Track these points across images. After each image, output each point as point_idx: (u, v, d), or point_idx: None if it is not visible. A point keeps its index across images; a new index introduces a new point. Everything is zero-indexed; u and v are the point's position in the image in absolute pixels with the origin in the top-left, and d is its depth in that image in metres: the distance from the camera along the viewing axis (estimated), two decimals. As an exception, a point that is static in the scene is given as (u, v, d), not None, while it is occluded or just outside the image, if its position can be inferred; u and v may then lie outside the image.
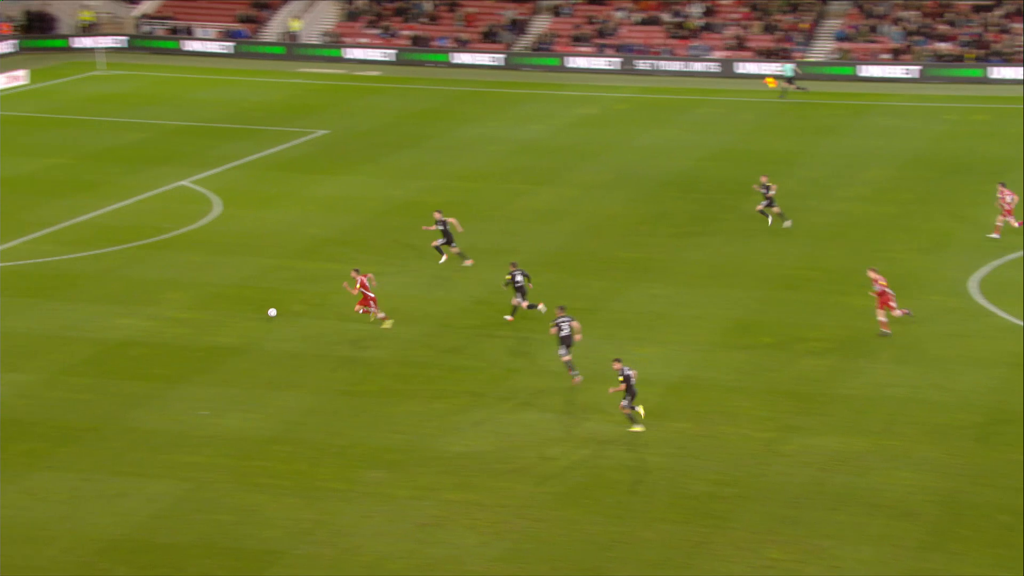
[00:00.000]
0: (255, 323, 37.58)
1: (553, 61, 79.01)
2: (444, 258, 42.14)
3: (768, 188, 45.56)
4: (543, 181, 53.33)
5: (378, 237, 45.72)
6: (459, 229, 42.51)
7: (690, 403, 32.15)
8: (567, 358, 33.21)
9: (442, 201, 50.20)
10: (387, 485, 28.37)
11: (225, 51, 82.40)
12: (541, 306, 37.49)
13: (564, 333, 32.95)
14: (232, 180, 53.38)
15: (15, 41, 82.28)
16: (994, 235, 44.43)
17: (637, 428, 30.65)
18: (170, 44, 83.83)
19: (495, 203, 50.18)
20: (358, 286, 36.90)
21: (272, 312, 37.94)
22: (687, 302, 38.97)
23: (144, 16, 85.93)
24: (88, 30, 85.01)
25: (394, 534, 26.48)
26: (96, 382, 33.49)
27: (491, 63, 79.67)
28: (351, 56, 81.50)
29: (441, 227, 42.00)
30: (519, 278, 37.17)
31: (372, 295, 37.02)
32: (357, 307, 37.09)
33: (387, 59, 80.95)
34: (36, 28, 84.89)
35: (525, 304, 37.23)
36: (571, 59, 78.70)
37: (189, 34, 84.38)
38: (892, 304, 36.13)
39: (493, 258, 42.58)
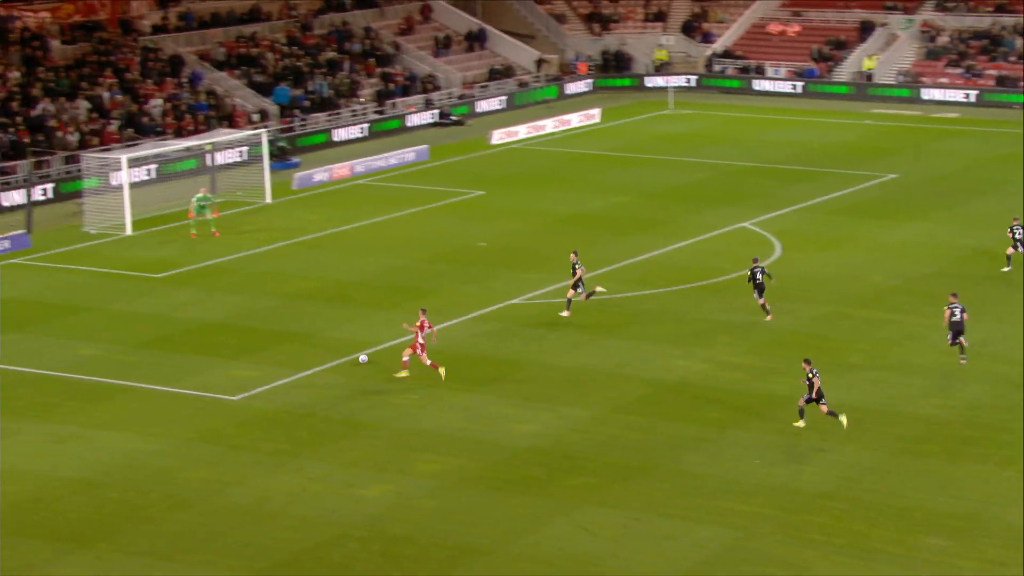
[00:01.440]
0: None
1: None
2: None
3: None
4: None
5: (949, 287, 44.13)
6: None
7: None
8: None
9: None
10: (949, 554, 27.23)
11: (793, 91, 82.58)
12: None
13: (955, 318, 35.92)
14: (794, 223, 53.27)
15: (591, 80, 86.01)
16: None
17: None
18: (739, 83, 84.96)
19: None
20: (416, 327, 36.41)
21: (363, 358, 38.10)
22: None
23: (716, 55, 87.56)
24: (660, 69, 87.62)
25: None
26: (648, 421, 34.20)
27: (1087, 106, 75.46)
28: (928, 97, 79.53)
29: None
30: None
31: (422, 341, 36.38)
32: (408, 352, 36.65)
33: (967, 100, 78.41)
34: (612, 67, 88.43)
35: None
36: None
37: (759, 73, 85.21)
38: None
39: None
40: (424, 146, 67.23)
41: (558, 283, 45.22)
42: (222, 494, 30.26)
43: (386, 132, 72.90)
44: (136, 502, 29.90)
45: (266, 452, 32.44)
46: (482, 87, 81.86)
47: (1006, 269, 46.01)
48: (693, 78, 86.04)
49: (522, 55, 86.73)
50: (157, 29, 73.80)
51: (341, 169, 62.49)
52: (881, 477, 30.83)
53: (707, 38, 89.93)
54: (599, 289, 43.14)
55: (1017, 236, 45.91)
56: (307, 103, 72.22)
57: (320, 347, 39.68)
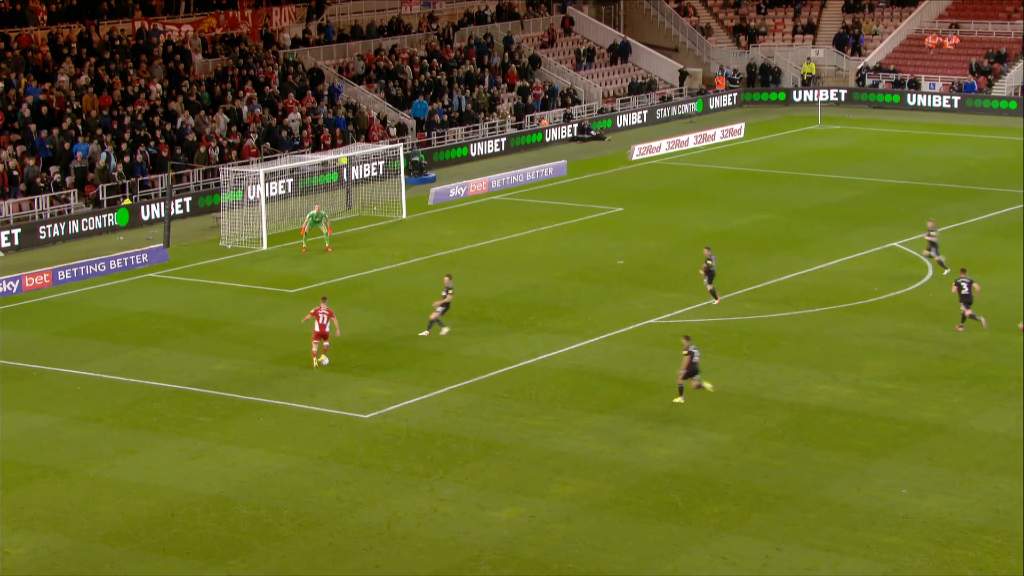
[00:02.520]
0: (965, 399, 36.48)
1: None
2: None
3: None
4: None
5: (1110, 314, 43.05)
6: None
7: None
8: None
9: None
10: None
11: (950, 106, 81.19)
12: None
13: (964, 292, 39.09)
14: (948, 243, 52.25)
15: (735, 94, 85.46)
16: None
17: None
18: (891, 97, 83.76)
19: None
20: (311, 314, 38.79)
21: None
22: None
23: (867, 68, 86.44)
24: (808, 83, 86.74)
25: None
26: (792, 448, 33.76)
27: None
28: (1093, 112, 77.75)
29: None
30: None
31: (317, 329, 39.12)
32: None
33: None
34: (758, 81, 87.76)
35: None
36: None
37: (914, 87, 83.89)
38: None
39: None
40: (562, 161, 67.31)
41: (699, 303, 44.91)
42: (353, 514, 30.49)
43: (524, 147, 73.18)
44: (267, 519, 30.25)
45: (397, 472, 32.62)
46: (623, 101, 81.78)
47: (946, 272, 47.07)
48: (843, 92, 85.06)
49: (665, 68, 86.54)
50: (297, 42, 74.96)
51: (478, 184, 62.82)
52: (1037, 511, 30.07)
53: (858, 51, 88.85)
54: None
55: (931, 240, 46.96)
56: (445, 117, 72.75)
57: (454, 365, 39.85)
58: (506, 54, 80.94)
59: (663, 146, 71.91)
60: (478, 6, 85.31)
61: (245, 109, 66.49)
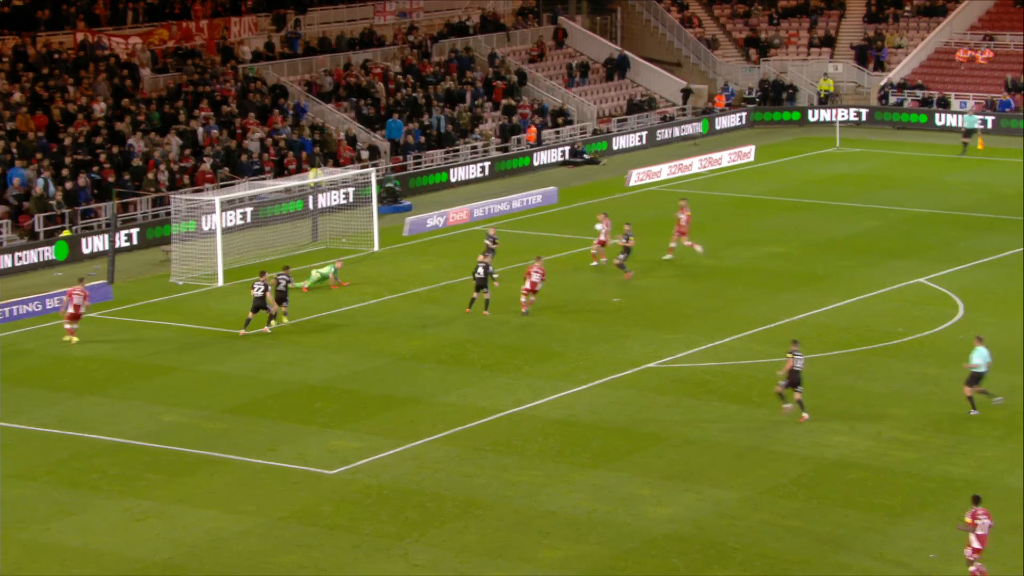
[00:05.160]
0: (999, 452, 36.57)
1: None
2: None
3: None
4: None
5: None
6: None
7: None
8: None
9: None
10: None
11: (983, 126, 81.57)
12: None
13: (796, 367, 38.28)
14: (980, 279, 52.49)
15: (744, 114, 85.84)
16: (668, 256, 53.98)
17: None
18: (918, 117, 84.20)
19: None
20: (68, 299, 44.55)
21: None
22: None
23: (891, 85, 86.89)
24: (826, 101, 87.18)
25: None
26: (806, 506, 33.79)
27: None
28: None
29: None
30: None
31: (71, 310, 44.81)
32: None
33: None
34: (771, 99, 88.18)
35: None
36: None
37: (943, 106, 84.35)
38: None
39: None
40: (552, 188, 67.52)
41: (703, 345, 45.02)
42: (316, 581, 30.46)
43: (510, 171, 73.43)
44: (220, 588, 30.21)
45: (367, 535, 32.57)
46: (620, 121, 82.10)
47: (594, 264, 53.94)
48: (864, 111, 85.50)
49: (666, 85, 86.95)
50: (258, 56, 75.22)
51: (458, 213, 62.96)
52: (1079, 577, 30.10)
53: (881, 66, 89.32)
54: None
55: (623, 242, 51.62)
56: (422, 139, 72.99)
57: (431, 414, 39.87)
58: (490, 69, 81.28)
59: (664, 171, 72.17)
60: (459, 16, 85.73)
61: (200, 130, 66.67)
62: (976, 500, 30.05)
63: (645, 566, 31.04)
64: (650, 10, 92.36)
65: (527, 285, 48.46)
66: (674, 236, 55.63)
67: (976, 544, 29.63)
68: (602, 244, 54.38)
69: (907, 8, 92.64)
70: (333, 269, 52.71)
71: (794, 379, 38.52)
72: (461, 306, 49.66)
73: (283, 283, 48.06)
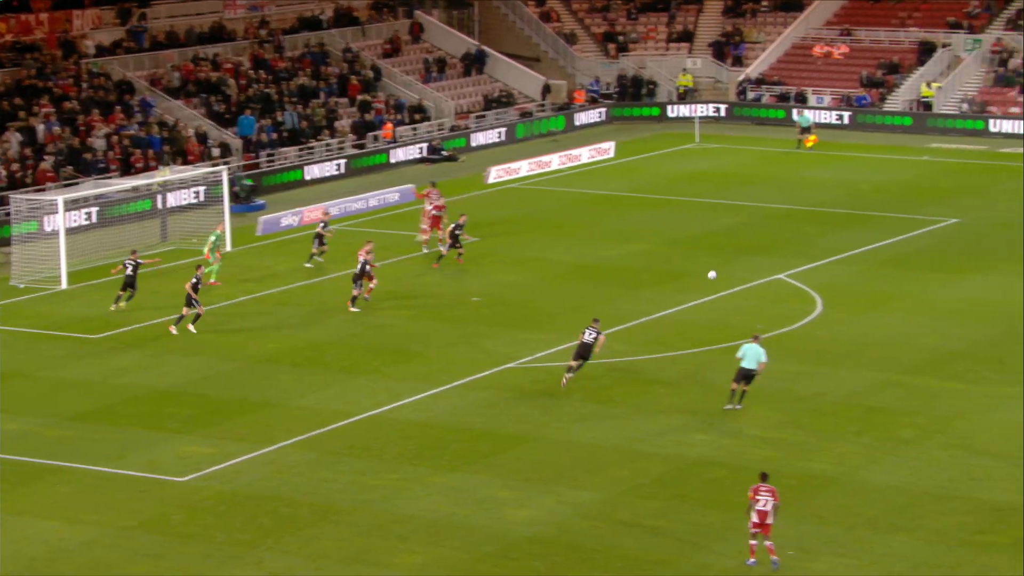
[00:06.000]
0: (855, 448, 37.16)
1: None
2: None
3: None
4: None
5: (1020, 352, 44.15)
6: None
7: None
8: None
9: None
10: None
11: (840, 122, 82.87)
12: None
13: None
14: (838, 275, 53.30)
15: (604, 110, 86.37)
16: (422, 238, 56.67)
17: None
18: (776, 113, 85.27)
19: None
20: None
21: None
22: None
23: (749, 80, 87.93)
24: (685, 97, 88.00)
25: None
26: (667, 506, 34.06)
27: None
28: (997, 129, 79.84)
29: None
30: None
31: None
32: None
33: (1042, 133, 78.77)
34: (629, 95, 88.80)
35: None
36: None
37: (801, 101, 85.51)
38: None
39: None
40: (410, 185, 67.42)
41: (564, 344, 45.21)
42: (167, 591, 30.16)
43: (367, 169, 73.22)
44: (66, 601, 29.80)
45: (219, 543, 32.28)
46: (478, 117, 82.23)
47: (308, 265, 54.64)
48: (723, 107, 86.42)
49: (525, 81, 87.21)
50: (103, 50, 74.23)
51: (313, 212, 62.65)
52: (937, 573, 30.64)
53: (739, 61, 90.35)
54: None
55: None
56: (275, 136, 72.53)
57: (286, 418, 39.63)
58: (345, 64, 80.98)
59: (523, 168, 72.40)
60: (313, 10, 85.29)
61: (41, 127, 65.65)
62: (763, 477, 31.03)
63: (504, 569, 31.11)
64: (508, 5, 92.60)
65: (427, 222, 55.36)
66: (423, 220, 57.50)
67: (755, 519, 30.57)
68: (439, 211, 56.69)
69: (764, 3, 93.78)
70: (216, 236, 53.05)
71: (583, 352, 40.81)
72: (318, 307, 49.37)
73: (130, 268, 48.04)
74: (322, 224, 55.50)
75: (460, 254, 54.56)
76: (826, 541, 32.13)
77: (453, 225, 55.08)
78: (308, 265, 54.62)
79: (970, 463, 36.19)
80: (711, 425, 38.92)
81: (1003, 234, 58.93)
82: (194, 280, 46.69)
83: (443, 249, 55.17)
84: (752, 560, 30.68)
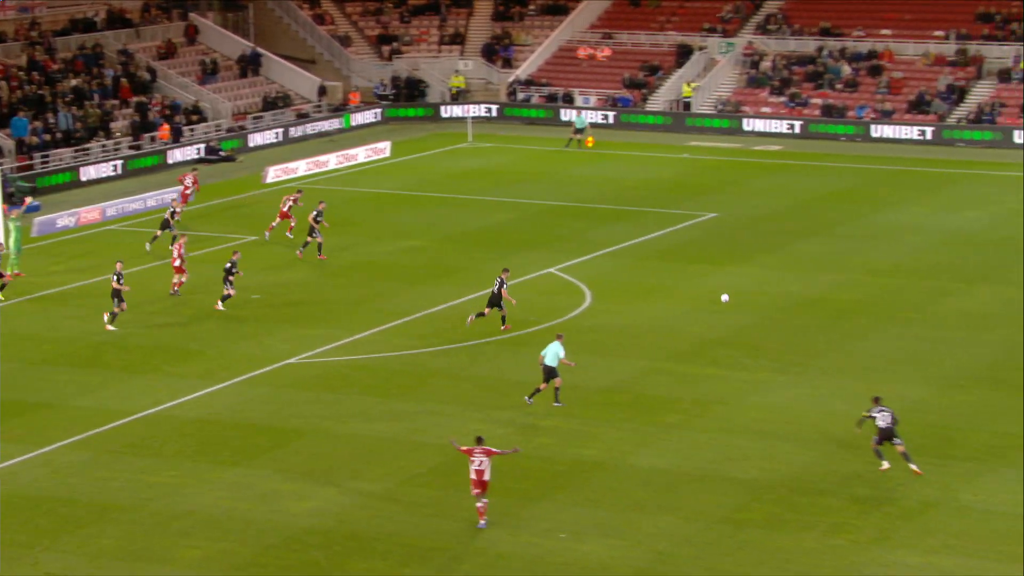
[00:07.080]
0: (624, 434, 37.71)
1: (995, 135, 77.04)
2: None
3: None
4: (977, 279, 51.75)
5: (773, 339, 45.26)
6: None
7: None
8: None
9: (853, 299, 49.51)
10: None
11: (604, 121, 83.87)
12: None
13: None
14: (606, 268, 54.01)
15: (379, 110, 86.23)
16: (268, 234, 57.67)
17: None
18: (545, 113, 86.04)
19: (916, 303, 49.02)
20: None
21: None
22: None
23: (519, 82, 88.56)
24: (457, 98, 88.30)
25: None
26: (443, 495, 34.19)
27: (918, 137, 78.29)
28: (750, 128, 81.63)
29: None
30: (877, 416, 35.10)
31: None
32: None
33: (792, 131, 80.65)
34: (403, 96, 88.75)
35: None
36: (1019, 133, 76.47)
37: (567, 101, 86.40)
38: None
39: (914, 370, 41.75)
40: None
41: (343, 339, 45.08)
42: (-55, 594, 29.41)
43: (143, 170, 72.08)
44: None
45: (-2, 543, 31.59)
46: (255, 118, 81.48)
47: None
48: (494, 107, 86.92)
49: (301, 82, 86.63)
50: None
51: (90, 213, 61.48)
52: (699, 549, 31.30)
53: (509, 63, 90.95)
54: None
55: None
56: (48, 137, 70.96)
57: (64, 419, 38.88)
58: (119, 67, 79.55)
59: (301, 167, 71.97)
60: (85, 12, 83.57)
61: None
62: (479, 440, 32.44)
63: (286, 560, 30.96)
64: (282, 7, 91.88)
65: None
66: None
67: (473, 476, 32.00)
68: (184, 200, 59.17)
69: (532, 7, 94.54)
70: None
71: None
72: (97, 308, 48.46)
73: None
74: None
75: (306, 244, 55.20)
76: (596, 523, 32.58)
77: (314, 212, 55.39)
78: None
79: (728, 444, 36.99)
80: (486, 416, 39.12)
81: (757, 227, 60.28)
82: None
83: (317, 238, 55.31)
84: (483, 522, 31.68)
